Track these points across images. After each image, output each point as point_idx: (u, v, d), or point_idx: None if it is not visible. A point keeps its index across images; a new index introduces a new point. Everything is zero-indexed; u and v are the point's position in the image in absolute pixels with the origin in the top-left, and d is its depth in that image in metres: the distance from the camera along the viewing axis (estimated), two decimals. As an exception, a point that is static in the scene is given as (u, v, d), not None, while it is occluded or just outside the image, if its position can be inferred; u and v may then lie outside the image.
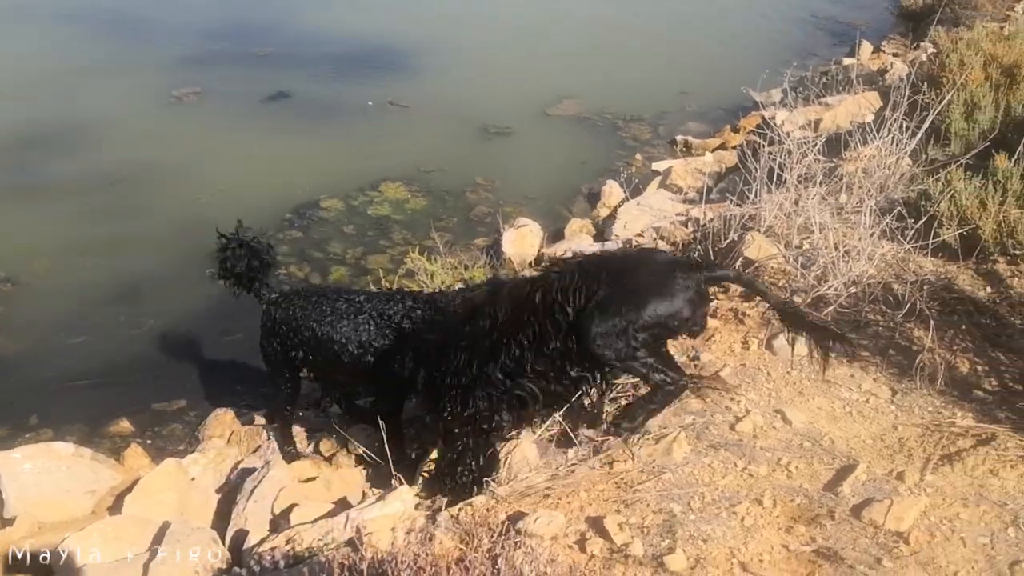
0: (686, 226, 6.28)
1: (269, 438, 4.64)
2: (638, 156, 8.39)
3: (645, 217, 6.83)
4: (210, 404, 5.18)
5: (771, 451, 3.37)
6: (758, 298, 4.20)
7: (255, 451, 4.61)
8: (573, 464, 3.45)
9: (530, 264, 6.74)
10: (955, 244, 4.61)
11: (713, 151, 8.22)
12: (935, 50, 6.92)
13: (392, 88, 9.44)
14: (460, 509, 3.22)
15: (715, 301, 4.40)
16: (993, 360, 3.85)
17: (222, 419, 4.99)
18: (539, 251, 6.85)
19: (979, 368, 3.82)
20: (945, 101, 5.14)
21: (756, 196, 5.50)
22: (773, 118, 7.74)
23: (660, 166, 7.83)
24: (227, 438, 4.85)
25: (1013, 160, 4.71)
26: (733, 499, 3.07)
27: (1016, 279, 4.45)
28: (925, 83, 5.50)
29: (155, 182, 7.46)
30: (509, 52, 10.52)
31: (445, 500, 3.46)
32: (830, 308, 4.20)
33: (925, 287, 4.27)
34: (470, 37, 10.83)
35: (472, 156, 8.25)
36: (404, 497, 3.34)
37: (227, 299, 4.73)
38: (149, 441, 4.94)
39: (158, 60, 9.86)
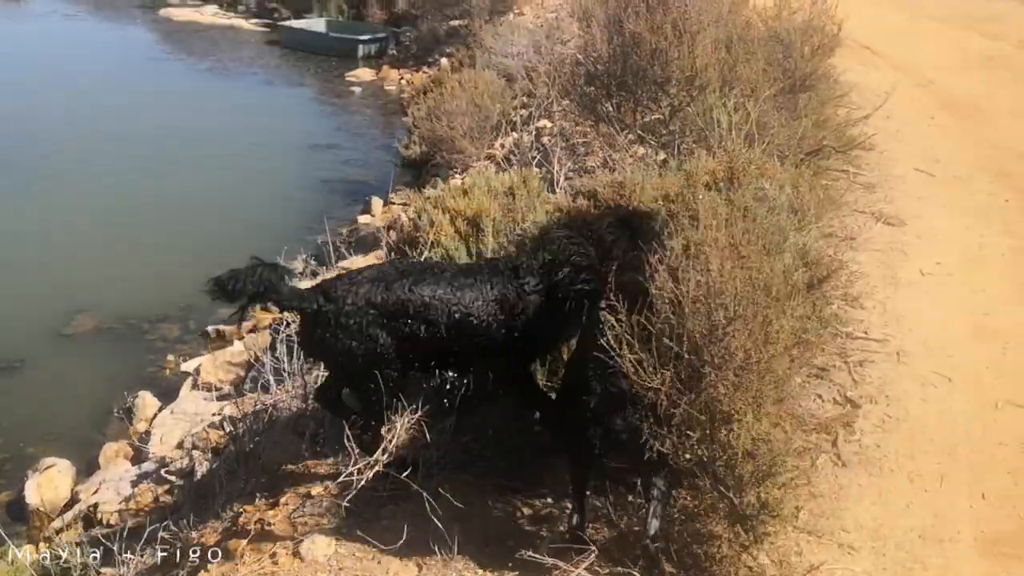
0: (222, 427, 6.11)
1: None
2: (170, 357, 8.08)
3: (182, 425, 6.56)
4: None
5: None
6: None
7: None
8: None
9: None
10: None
11: (247, 335, 8.15)
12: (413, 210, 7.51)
13: None
14: None
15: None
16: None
17: None
18: (72, 490, 6.28)
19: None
20: (423, 258, 5.56)
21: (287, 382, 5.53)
22: (300, 290, 7.88)
23: (190, 365, 7.59)
24: None
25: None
26: None
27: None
28: (406, 245, 5.93)
29: None
30: (6, 275, 9.63)
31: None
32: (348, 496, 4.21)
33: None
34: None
35: (-24, 404, 7.35)
36: None
37: None
38: None
39: None
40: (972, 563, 3.63)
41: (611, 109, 7.44)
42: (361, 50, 20.40)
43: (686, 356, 3.11)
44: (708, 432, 3.16)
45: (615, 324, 3.19)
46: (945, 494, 4.01)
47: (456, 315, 3.81)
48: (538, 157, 9.73)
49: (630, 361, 3.12)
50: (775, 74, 7.89)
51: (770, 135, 6.99)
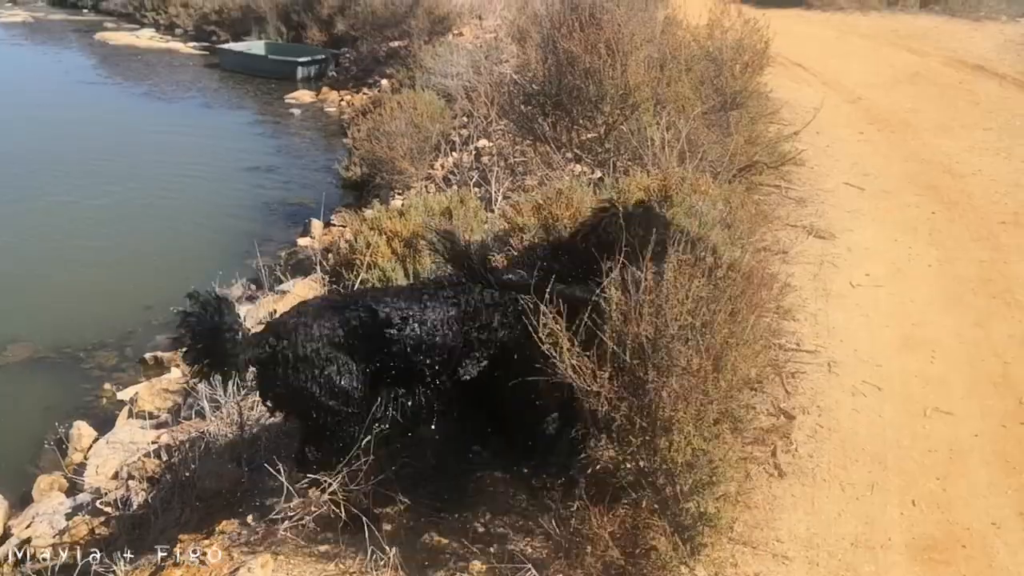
0: (158, 456, 6.01)
1: None
2: (107, 386, 7.90)
3: (118, 455, 6.42)
4: None
5: None
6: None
7: None
8: None
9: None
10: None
11: (183, 363, 8.01)
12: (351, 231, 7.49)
13: None
14: None
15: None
16: None
17: None
18: (5, 525, 6.12)
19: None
20: (359, 280, 5.56)
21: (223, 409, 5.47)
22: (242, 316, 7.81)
23: (127, 394, 7.43)
24: None
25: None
26: None
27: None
28: (342, 268, 5.93)
29: None
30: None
31: None
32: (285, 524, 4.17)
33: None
34: None
35: None
36: None
37: None
38: None
39: None
40: (903, 569, 3.70)
41: (547, 128, 7.50)
42: (300, 72, 20.30)
43: (629, 361, 3.14)
44: (649, 439, 3.19)
45: (554, 330, 3.21)
46: (876, 502, 4.09)
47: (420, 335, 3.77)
48: (476, 177, 9.79)
49: (570, 366, 3.14)
50: (707, 92, 8.04)
51: (702, 152, 7.12)
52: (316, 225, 11.03)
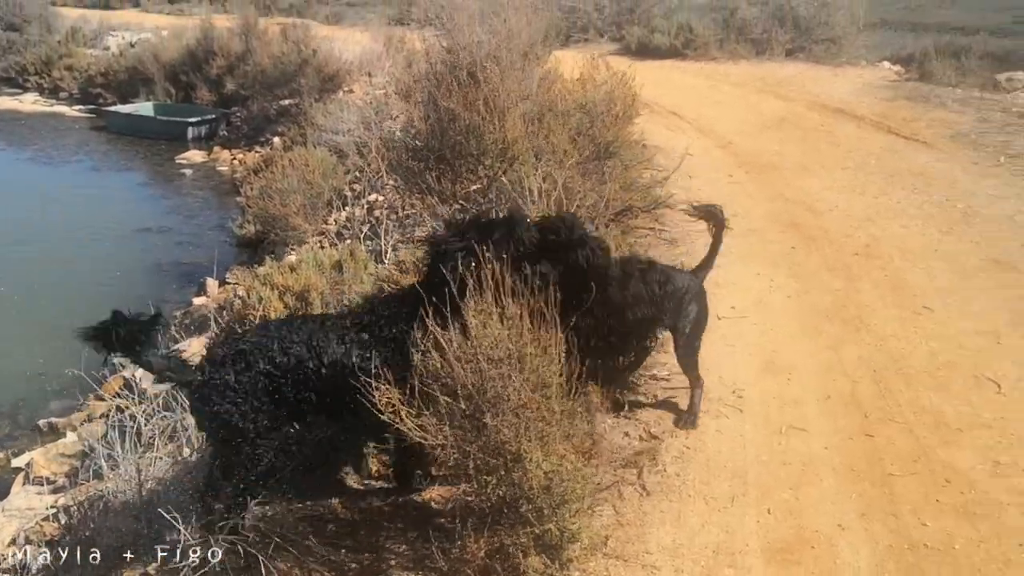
0: (57, 519, 6.04)
1: None
2: (1, 455, 7.85)
3: (14, 522, 6.41)
4: None
5: None
6: None
7: None
8: None
9: None
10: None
11: (79, 427, 8.02)
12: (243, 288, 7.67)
13: None
14: None
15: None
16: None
17: None
18: None
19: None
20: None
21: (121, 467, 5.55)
22: (134, 376, 7.87)
23: (22, 460, 7.41)
24: None
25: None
26: None
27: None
28: (237, 324, 6.12)
29: None
30: None
31: None
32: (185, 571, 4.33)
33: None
34: None
35: None
36: None
37: None
38: None
39: None
40: (759, 571, 4.09)
41: (432, 182, 7.85)
42: (191, 132, 20.30)
43: (463, 407, 3.46)
44: (504, 473, 3.51)
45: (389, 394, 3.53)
46: (736, 513, 4.48)
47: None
48: (366, 231, 10.08)
49: (414, 427, 3.45)
50: (583, 143, 8.54)
51: (578, 199, 7.57)
52: (211, 284, 11.11)
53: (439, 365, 3.59)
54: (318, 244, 11.26)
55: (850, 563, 4.15)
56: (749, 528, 4.38)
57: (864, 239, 8.37)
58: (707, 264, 5.60)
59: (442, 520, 4.11)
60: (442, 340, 3.55)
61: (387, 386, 3.56)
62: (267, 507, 4.41)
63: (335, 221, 12.30)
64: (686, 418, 5.24)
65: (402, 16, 26.47)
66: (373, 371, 3.66)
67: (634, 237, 8.26)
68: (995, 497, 4.61)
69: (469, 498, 3.60)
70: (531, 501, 3.56)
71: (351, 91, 18.48)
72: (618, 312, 4.86)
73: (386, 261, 7.46)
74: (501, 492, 3.62)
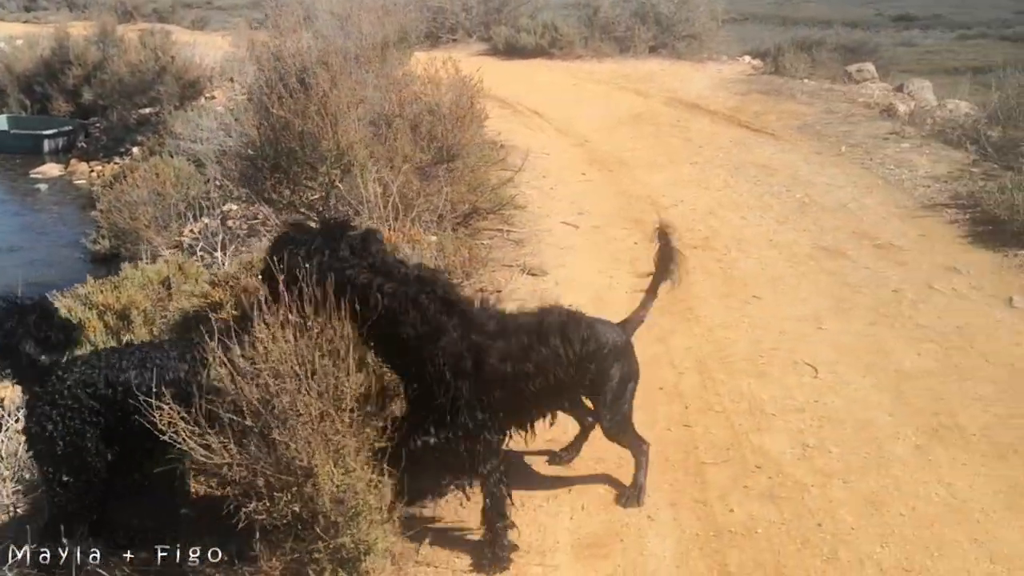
0: None
1: None
2: None
3: None
4: None
5: None
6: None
7: None
8: None
9: None
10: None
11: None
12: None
13: None
14: None
15: None
16: None
17: None
18: None
19: None
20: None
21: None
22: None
23: None
24: None
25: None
26: None
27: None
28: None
29: None
30: None
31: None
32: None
33: None
34: None
35: None
36: None
37: None
38: None
39: None
40: (566, 566, 4.15)
41: (269, 190, 7.73)
42: (47, 145, 19.49)
43: (252, 425, 3.41)
44: (297, 490, 3.46)
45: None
46: (551, 511, 4.54)
47: None
48: (219, 240, 9.86)
49: (199, 449, 3.38)
50: (432, 146, 8.53)
51: (420, 203, 7.56)
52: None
53: (224, 381, 3.52)
54: (173, 257, 10.98)
55: (656, 553, 4.24)
56: (562, 526, 4.43)
57: (704, 232, 8.60)
58: (641, 311, 5.06)
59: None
60: (223, 357, 3.48)
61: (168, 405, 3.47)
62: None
63: (191, 232, 12.01)
64: (630, 493, 4.62)
65: (268, 20, 25.97)
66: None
67: (482, 239, 8.32)
68: (800, 479, 4.79)
69: (261, 516, 3.51)
70: (325, 515, 3.53)
71: (213, 97, 18.06)
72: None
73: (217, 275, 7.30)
74: (296, 508, 3.57)
